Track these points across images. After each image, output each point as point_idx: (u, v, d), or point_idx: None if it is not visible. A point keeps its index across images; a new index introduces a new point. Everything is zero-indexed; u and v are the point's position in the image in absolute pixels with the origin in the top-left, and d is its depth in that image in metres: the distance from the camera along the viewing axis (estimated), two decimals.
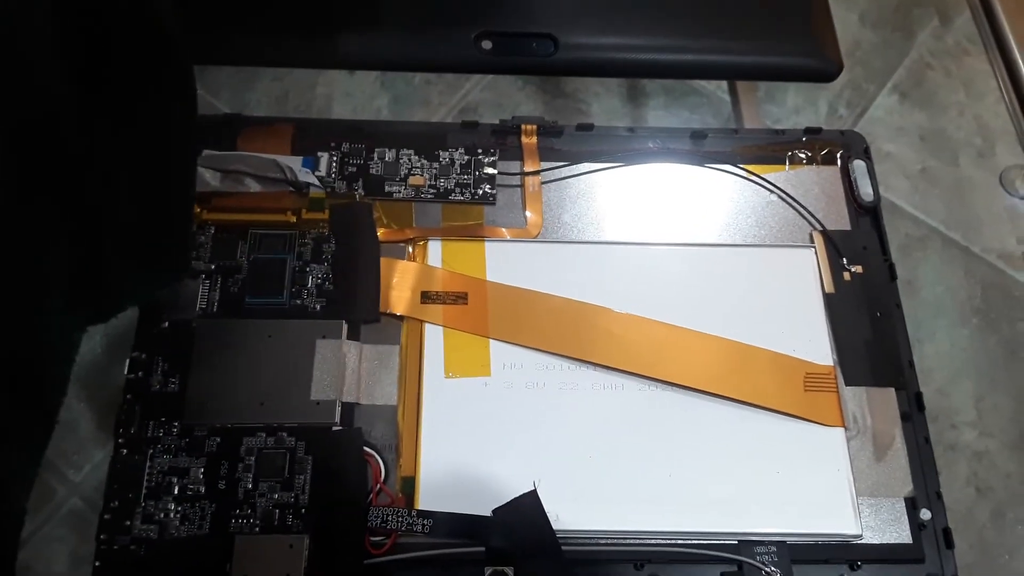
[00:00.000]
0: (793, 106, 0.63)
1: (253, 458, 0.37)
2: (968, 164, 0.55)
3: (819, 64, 0.49)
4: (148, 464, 0.36)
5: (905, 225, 0.50)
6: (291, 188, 0.42)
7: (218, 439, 0.37)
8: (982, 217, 0.53)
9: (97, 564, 0.35)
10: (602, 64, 0.49)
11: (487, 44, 0.47)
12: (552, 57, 0.47)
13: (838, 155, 0.46)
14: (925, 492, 0.39)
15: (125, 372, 0.38)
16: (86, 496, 0.38)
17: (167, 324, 0.39)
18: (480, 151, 0.44)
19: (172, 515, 0.36)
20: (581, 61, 0.49)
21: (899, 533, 0.38)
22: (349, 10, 0.47)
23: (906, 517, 0.38)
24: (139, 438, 0.37)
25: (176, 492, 0.36)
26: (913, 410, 0.41)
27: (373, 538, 0.36)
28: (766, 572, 0.36)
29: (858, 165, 0.46)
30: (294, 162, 0.43)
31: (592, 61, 0.49)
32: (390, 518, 0.36)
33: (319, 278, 0.41)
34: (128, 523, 0.35)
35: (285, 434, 0.37)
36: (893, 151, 0.47)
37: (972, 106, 0.57)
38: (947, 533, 0.38)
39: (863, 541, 0.37)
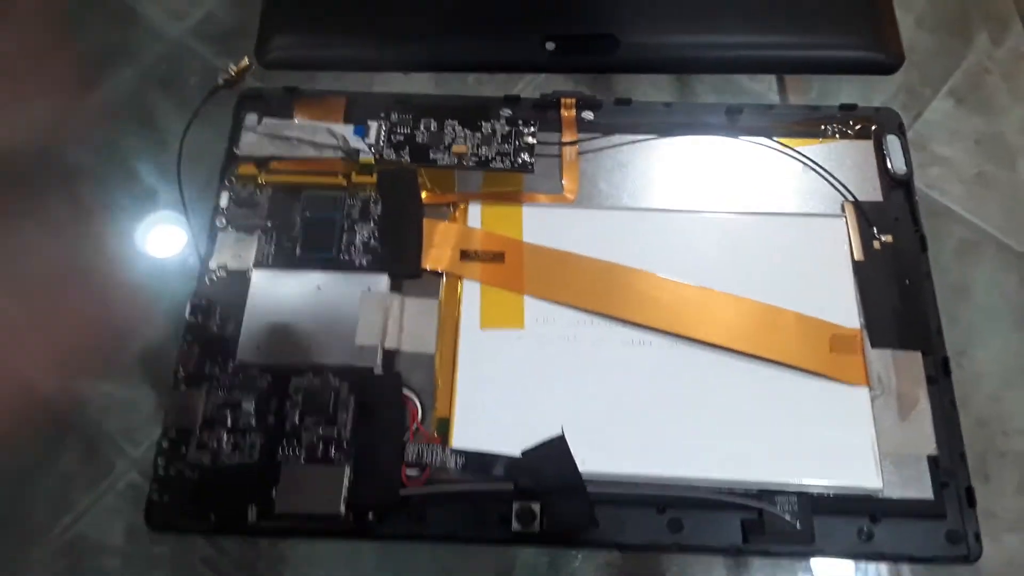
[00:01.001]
0: None
1: (300, 396, 0.39)
2: None
3: (881, 56, 0.50)
4: (204, 399, 0.39)
5: (959, 230, 0.49)
6: (342, 154, 0.45)
7: (269, 378, 0.40)
8: None
9: (154, 486, 0.38)
10: (662, 61, 0.51)
11: (551, 45, 0.49)
12: (613, 56, 0.49)
13: (872, 130, 0.47)
14: (949, 453, 0.39)
15: (186, 315, 0.41)
16: (144, 471, 0.40)
17: (225, 274, 0.42)
18: (520, 123, 0.47)
19: (224, 444, 0.38)
20: (641, 59, 0.50)
21: (921, 490, 0.39)
22: (415, 14, 0.50)
23: (928, 475, 0.39)
24: (197, 375, 0.40)
25: (229, 424, 0.39)
26: (940, 374, 0.41)
27: (409, 472, 0.38)
28: (786, 521, 0.38)
29: (891, 140, 0.47)
30: (346, 130, 0.46)
31: (652, 59, 0.51)
32: (425, 453, 0.38)
33: (366, 236, 0.43)
34: (184, 451, 0.38)
35: (331, 375, 0.40)
36: (948, 155, 0.48)
37: None
38: (969, 492, 0.39)
39: (884, 496, 0.38)
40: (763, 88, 0.59)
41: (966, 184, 0.52)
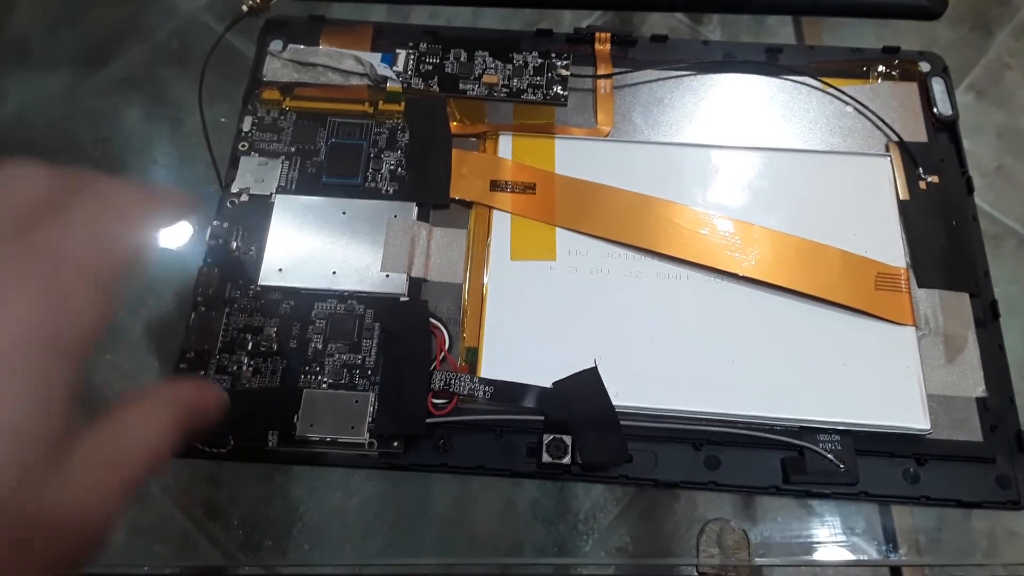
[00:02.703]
0: None
1: (324, 322, 0.38)
2: None
3: (924, 1, 0.48)
4: (224, 321, 0.38)
5: (981, 222, 0.49)
6: (369, 82, 0.44)
7: (291, 302, 0.38)
8: None
9: None
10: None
11: None
12: None
13: (916, 72, 0.46)
14: (998, 396, 0.38)
15: (207, 239, 0.40)
16: None
17: (247, 198, 0.41)
18: (554, 55, 0.45)
19: (245, 368, 0.37)
20: None
21: (969, 432, 0.37)
22: None
23: (977, 417, 0.37)
24: (217, 298, 0.38)
25: (250, 348, 0.37)
26: (988, 317, 0.40)
27: (435, 400, 0.36)
28: (828, 459, 0.36)
29: (936, 82, 0.45)
30: (373, 58, 0.44)
31: None
32: (453, 382, 0.36)
33: (393, 164, 0.42)
34: (203, 373, 0.37)
35: (355, 302, 0.38)
36: (969, 148, 0.47)
37: None
38: (1020, 436, 0.37)
39: (931, 437, 0.37)
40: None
41: (987, 178, 0.51)
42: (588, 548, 0.41)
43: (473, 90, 0.44)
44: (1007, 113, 0.54)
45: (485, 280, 0.39)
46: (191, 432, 0.21)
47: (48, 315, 0.18)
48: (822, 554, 0.41)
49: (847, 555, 0.41)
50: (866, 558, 0.41)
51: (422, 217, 0.41)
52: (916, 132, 0.44)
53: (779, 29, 0.56)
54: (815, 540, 0.41)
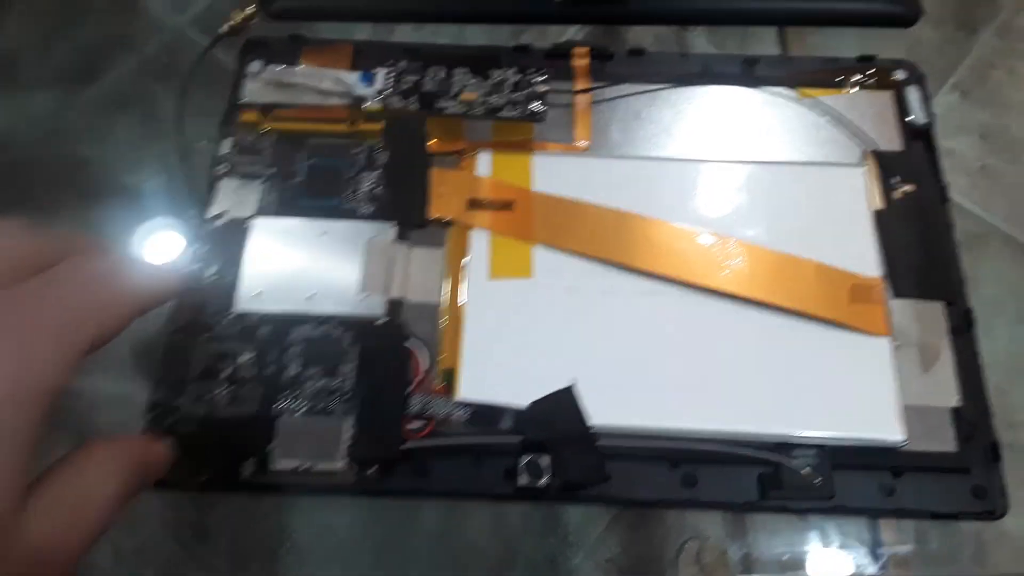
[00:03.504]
0: None
1: (301, 346, 0.38)
2: None
3: (899, 8, 0.48)
4: (200, 348, 0.38)
5: (964, 222, 0.49)
6: (348, 101, 0.44)
7: (268, 327, 0.39)
8: None
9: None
10: (673, 13, 0.50)
11: None
12: (622, 7, 0.49)
13: (891, 80, 0.46)
14: (973, 405, 0.38)
15: (185, 264, 0.40)
16: None
17: (225, 221, 0.41)
18: (532, 71, 0.45)
19: (220, 396, 0.37)
20: (651, 10, 0.49)
21: (944, 443, 0.37)
22: None
23: (951, 428, 0.37)
24: (193, 324, 0.39)
25: (226, 375, 0.38)
26: (963, 325, 0.40)
27: (413, 425, 0.37)
28: (804, 474, 0.36)
29: (911, 90, 0.45)
30: (352, 77, 0.44)
31: (663, 10, 0.49)
32: (430, 405, 0.37)
33: (371, 184, 0.42)
34: (178, 402, 0.37)
35: (333, 325, 0.39)
36: (953, 148, 0.47)
37: None
38: (994, 447, 0.37)
39: (906, 448, 0.37)
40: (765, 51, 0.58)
41: (972, 177, 0.51)
42: (578, 560, 0.41)
43: (451, 107, 0.44)
44: (992, 112, 0.55)
45: (463, 300, 0.39)
46: (140, 488, 0.22)
47: (11, 367, 0.19)
48: (809, 569, 0.41)
49: (834, 570, 0.41)
50: (853, 572, 0.41)
51: (401, 237, 0.41)
52: (892, 141, 0.44)
53: (765, 35, 0.56)
54: (801, 554, 0.42)
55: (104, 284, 0.22)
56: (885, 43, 0.52)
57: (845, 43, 0.52)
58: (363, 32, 0.51)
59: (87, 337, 0.21)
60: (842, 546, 0.42)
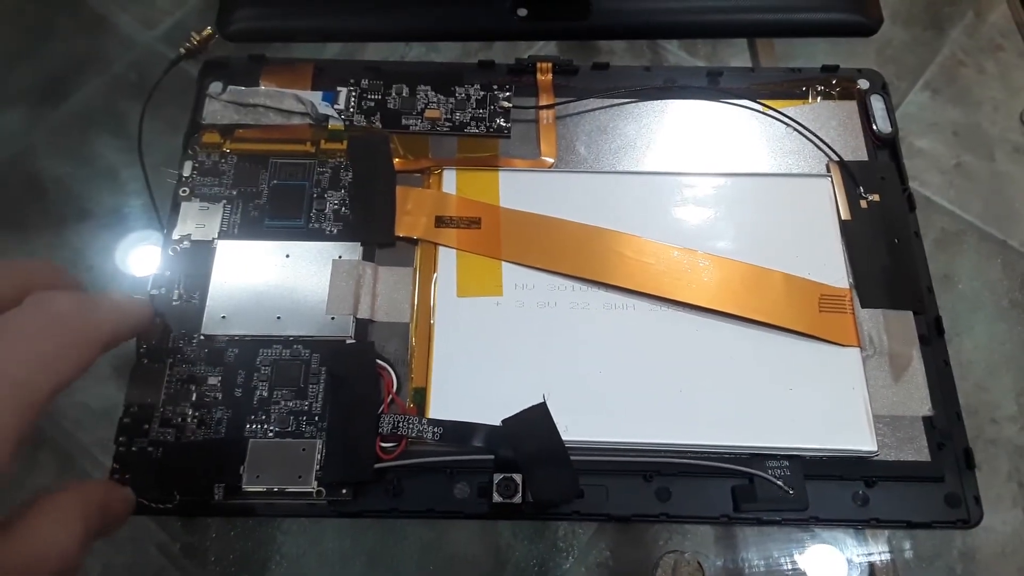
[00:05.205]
0: None
1: (269, 369, 0.38)
2: (1004, 159, 0.54)
3: (860, 18, 0.49)
4: (168, 372, 0.37)
5: (941, 220, 0.49)
6: (311, 121, 0.43)
7: (236, 350, 0.38)
8: (1020, 211, 0.52)
9: (115, 466, 0.36)
10: (636, 27, 0.50)
11: (522, 11, 0.48)
12: (585, 22, 0.48)
13: (855, 90, 0.46)
14: (944, 413, 0.38)
15: (148, 289, 0.39)
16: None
17: (188, 244, 0.40)
18: (496, 87, 0.45)
19: (189, 420, 0.36)
20: (614, 24, 0.49)
21: (917, 451, 0.37)
22: None
23: (924, 436, 0.38)
24: (160, 349, 0.38)
25: (194, 399, 0.37)
26: (932, 334, 0.40)
27: (384, 444, 0.36)
28: (778, 486, 0.36)
29: (875, 99, 0.46)
30: (314, 96, 0.44)
31: (625, 24, 0.50)
32: (401, 425, 0.36)
33: (336, 204, 0.42)
34: (146, 427, 0.36)
35: (300, 347, 0.38)
36: (926, 147, 0.47)
37: (1007, 101, 0.57)
38: (968, 454, 0.37)
39: (879, 459, 0.37)
40: (737, 60, 0.58)
41: (946, 175, 0.52)
42: (569, 565, 0.41)
43: (416, 125, 0.44)
44: (963, 110, 0.55)
45: (432, 319, 0.39)
46: (101, 534, 0.21)
47: None
48: None
49: None
50: None
51: (367, 257, 0.40)
52: (857, 150, 0.44)
53: (736, 43, 0.56)
54: (780, 565, 0.41)
55: (65, 326, 0.21)
56: (856, 46, 0.53)
57: (815, 50, 0.53)
58: (327, 51, 0.51)
59: (47, 387, 0.20)
60: (822, 556, 0.41)
